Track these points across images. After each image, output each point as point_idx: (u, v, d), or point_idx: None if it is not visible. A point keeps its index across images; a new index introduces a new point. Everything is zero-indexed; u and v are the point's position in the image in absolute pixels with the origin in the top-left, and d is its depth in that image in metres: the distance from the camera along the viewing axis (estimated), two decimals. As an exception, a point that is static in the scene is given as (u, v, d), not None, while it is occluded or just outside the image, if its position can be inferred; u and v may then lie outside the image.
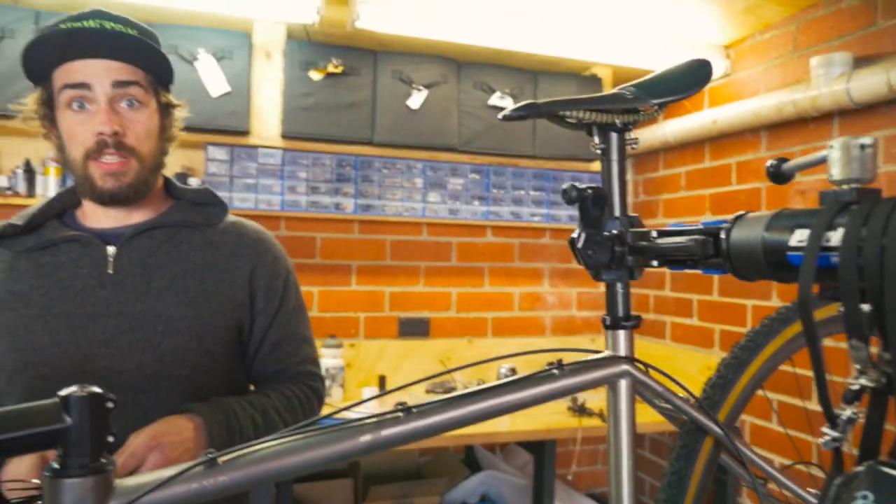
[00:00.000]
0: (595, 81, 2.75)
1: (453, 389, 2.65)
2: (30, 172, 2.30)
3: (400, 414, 0.73)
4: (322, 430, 0.70)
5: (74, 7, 2.19)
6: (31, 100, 1.03)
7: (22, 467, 0.86)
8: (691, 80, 0.87)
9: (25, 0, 2.18)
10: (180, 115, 1.12)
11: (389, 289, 2.82)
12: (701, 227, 0.71)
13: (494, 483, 2.58)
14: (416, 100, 2.44)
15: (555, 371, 0.83)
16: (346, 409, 0.78)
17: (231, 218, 1.17)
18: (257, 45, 2.34)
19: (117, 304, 1.03)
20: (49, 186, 2.29)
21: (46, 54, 0.99)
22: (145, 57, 1.01)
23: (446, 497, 2.57)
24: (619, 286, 0.86)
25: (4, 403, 1.02)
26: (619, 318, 0.87)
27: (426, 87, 2.46)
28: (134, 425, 0.93)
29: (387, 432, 0.72)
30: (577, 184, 0.79)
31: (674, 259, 0.76)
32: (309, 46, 2.39)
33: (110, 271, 1.04)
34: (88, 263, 1.04)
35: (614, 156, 0.86)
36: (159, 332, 1.03)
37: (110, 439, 0.62)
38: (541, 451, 2.30)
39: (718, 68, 2.63)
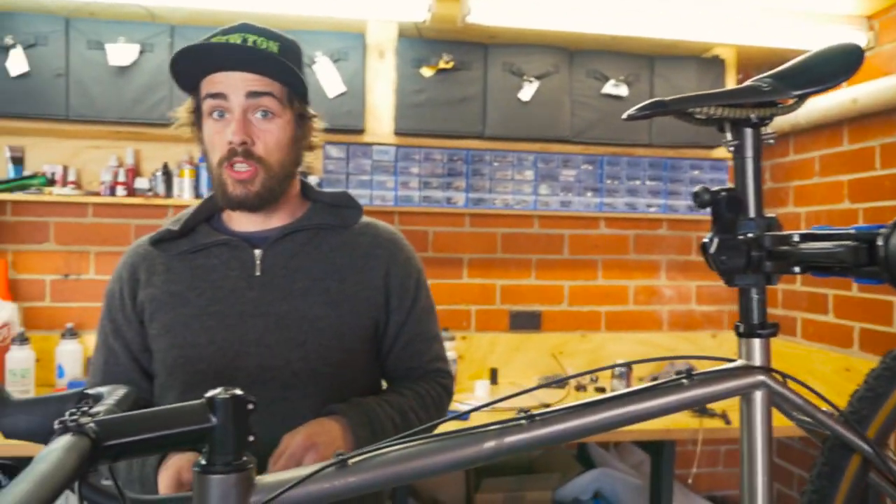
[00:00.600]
0: (717, 64, 2.60)
1: (566, 384, 2.61)
2: (167, 175, 2.49)
3: (523, 421, 0.73)
4: (447, 435, 0.71)
5: (204, 21, 2.35)
6: (183, 108, 1.12)
7: (184, 461, 0.93)
8: (838, 67, 0.80)
9: (162, 16, 2.35)
10: (317, 125, 1.16)
11: (501, 282, 2.82)
12: (853, 231, 0.65)
13: (608, 481, 2.52)
14: (528, 91, 2.41)
15: (684, 381, 0.79)
16: (504, 399, 0.79)
17: (365, 219, 1.20)
18: (370, 45, 2.40)
19: (265, 304, 1.09)
20: (184, 188, 2.46)
21: (193, 66, 1.06)
22: (279, 70, 1.05)
23: (558, 492, 2.55)
24: (754, 292, 0.80)
25: (166, 396, 1.11)
26: (755, 326, 0.82)
27: (537, 78, 2.42)
28: (283, 420, 0.99)
29: (510, 439, 0.72)
30: (708, 186, 0.75)
31: (819, 266, 0.70)
32: (420, 43, 2.42)
33: (257, 273, 1.10)
34: (238, 266, 1.11)
35: (749, 153, 0.81)
36: (304, 331, 1.08)
37: (251, 439, 0.65)
38: (658, 451, 2.22)
39: (859, 41, 2.41)
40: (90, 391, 0.78)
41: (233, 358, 1.07)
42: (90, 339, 2.54)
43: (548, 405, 2.40)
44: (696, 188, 0.74)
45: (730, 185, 0.79)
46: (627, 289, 2.92)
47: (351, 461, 0.68)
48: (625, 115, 0.79)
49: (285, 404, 1.05)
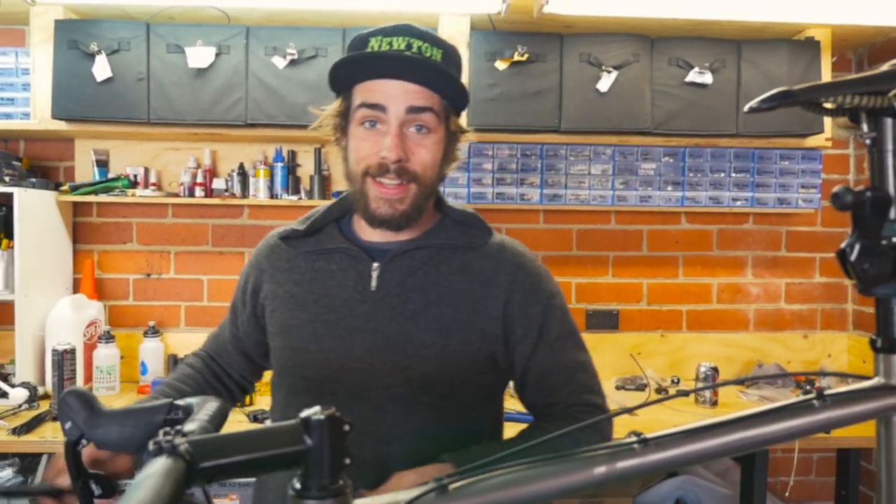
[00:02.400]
0: (810, 46, 2.43)
1: (645, 386, 2.51)
2: (243, 175, 2.52)
3: (636, 446, 0.67)
4: (555, 460, 0.66)
5: (279, 21, 2.35)
6: (331, 108, 1.06)
7: None
8: None
9: (237, 18, 2.37)
10: (465, 139, 1.11)
11: (576, 280, 2.73)
12: None
13: (692, 489, 2.41)
14: (606, 82, 2.31)
15: (814, 402, 0.71)
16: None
17: (496, 237, 1.11)
18: (444, 38, 2.35)
19: (375, 321, 1.04)
20: (260, 188, 2.49)
21: (352, 70, 1.01)
22: (443, 83, 1.00)
23: (638, 499, 2.46)
24: (894, 303, 0.72)
25: (275, 393, 1.13)
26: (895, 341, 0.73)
27: (616, 68, 2.32)
28: (376, 443, 0.97)
29: (622, 465, 0.66)
30: (850, 187, 0.66)
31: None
32: (493, 36, 2.35)
33: (373, 287, 1.05)
34: (354, 276, 1.06)
35: (889, 146, 0.72)
36: (408, 355, 1.02)
37: (347, 461, 0.62)
38: (750, 459, 2.10)
39: (974, 18, 2.20)
40: (180, 402, 0.77)
41: (337, 370, 1.04)
42: (171, 337, 2.61)
43: (630, 410, 2.32)
44: (836, 188, 0.66)
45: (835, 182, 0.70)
46: (710, 287, 2.78)
47: (451, 486, 0.64)
48: (746, 108, 0.71)
49: (381, 427, 1.01)
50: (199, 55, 2.24)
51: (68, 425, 0.77)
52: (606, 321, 2.73)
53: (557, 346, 1.07)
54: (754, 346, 2.75)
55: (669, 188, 2.53)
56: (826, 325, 2.81)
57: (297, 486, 0.60)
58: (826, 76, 2.43)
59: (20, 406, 2.17)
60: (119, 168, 2.59)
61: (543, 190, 2.50)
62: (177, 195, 2.51)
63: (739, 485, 2.20)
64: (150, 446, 0.60)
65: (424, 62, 0.98)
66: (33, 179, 2.41)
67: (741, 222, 2.77)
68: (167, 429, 0.63)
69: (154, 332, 2.52)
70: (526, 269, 1.08)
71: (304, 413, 0.62)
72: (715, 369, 2.40)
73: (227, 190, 2.52)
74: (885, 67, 0.72)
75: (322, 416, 0.62)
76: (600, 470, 0.67)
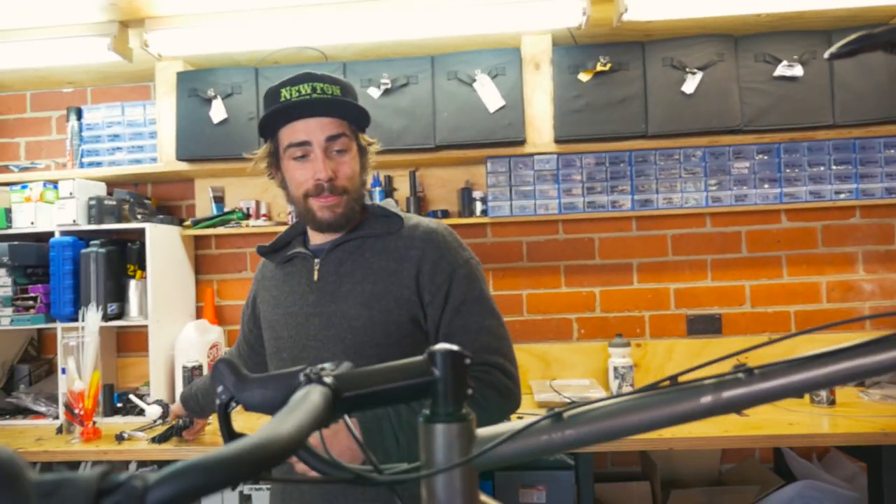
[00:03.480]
0: (907, 29, 2.34)
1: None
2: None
3: (741, 375, 0.70)
4: (662, 391, 0.70)
5: (371, 55, 2.53)
6: (261, 151, 1.33)
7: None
8: None
9: (334, 56, 2.57)
10: (373, 149, 1.34)
11: (674, 285, 2.70)
12: None
13: (815, 495, 2.29)
14: (691, 84, 2.33)
15: (923, 332, 0.72)
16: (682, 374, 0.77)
17: (413, 222, 1.31)
18: (526, 57, 2.45)
19: (319, 304, 1.28)
20: (360, 211, 2.64)
21: (276, 118, 1.25)
22: (348, 111, 1.25)
23: (758, 507, 2.36)
24: None
25: None
26: None
27: (700, 69, 2.33)
28: None
29: (728, 394, 0.69)
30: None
31: None
32: (575, 50, 2.43)
33: (315, 279, 1.30)
34: (305, 273, 1.32)
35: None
36: (344, 328, 1.24)
37: (469, 392, 0.69)
38: (876, 458, 1.99)
39: None
40: (314, 368, 0.86)
41: (300, 350, 1.28)
42: (285, 357, 2.78)
43: (739, 411, 2.25)
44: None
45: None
46: (819, 285, 2.67)
47: (565, 415, 0.69)
48: (826, 55, 0.75)
49: None
50: (302, 92, 2.44)
51: (220, 389, 0.88)
52: (709, 326, 2.67)
53: (463, 309, 1.24)
54: (873, 346, 2.61)
55: (766, 186, 2.49)
56: (953, 321, 2.63)
57: (427, 412, 0.68)
58: (928, 58, 2.34)
59: (155, 421, 2.37)
60: (233, 203, 2.82)
61: (634, 196, 2.52)
62: (285, 224, 2.71)
63: (867, 487, 2.09)
64: (301, 378, 0.69)
65: (329, 100, 1.22)
66: (161, 216, 2.67)
67: (847, 216, 2.67)
68: (311, 369, 0.73)
69: (269, 352, 2.70)
70: (434, 243, 1.27)
71: (432, 347, 0.70)
72: None
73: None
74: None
75: (446, 349, 0.69)
76: (707, 399, 0.70)
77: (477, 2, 2.22)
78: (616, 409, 0.69)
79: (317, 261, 1.31)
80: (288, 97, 1.22)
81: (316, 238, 1.35)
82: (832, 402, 2.22)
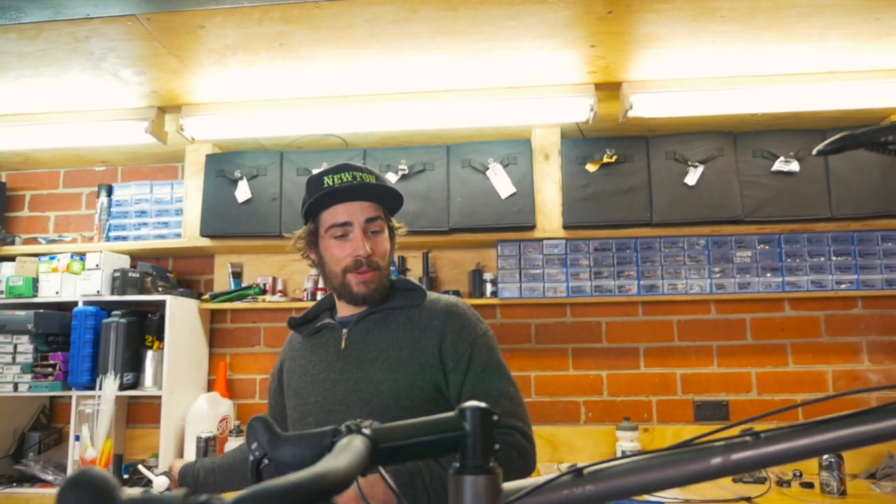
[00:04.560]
0: (896, 131, 2.49)
1: (765, 479, 2.41)
2: (360, 279, 2.77)
3: (748, 438, 0.75)
4: (675, 450, 0.75)
5: (389, 143, 2.68)
6: (302, 231, 1.45)
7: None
8: None
9: (354, 143, 2.73)
10: (401, 232, 1.48)
11: (681, 370, 2.74)
12: None
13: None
14: (693, 176, 2.46)
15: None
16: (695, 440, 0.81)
17: (434, 297, 1.44)
18: (536, 148, 2.60)
19: (345, 371, 1.36)
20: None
21: (318, 203, 1.37)
22: (384, 197, 1.40)
23: None
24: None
25: None
26: None
27: (701, 162, 2.47)
28: None
29: (736, 456, 0.74)
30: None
31: None
32: (582, 142, 2.58)
33: (342, 347, 1.39)
34: (332, 342, 1.41)
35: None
36: (370, 392, 1.32)
37: (496, 447, 0.74)
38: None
39: None
40: (342, 427, 0.91)
41: (327, 414, 1.36)
42: (293, 433, 2.78)
43: (749, 498, 2.24)
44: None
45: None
46: (825, 374, 2.71)
47: (586, 471, 0.74)
48: (814, 151, 0.84)
49: None
50: (325, 175, 2.57)
51: (254, 446, 0.93)
52: (716, 412, 2.69)
53: (485, 376, 1.33)
54: (881, 437, 2.61)
55: (768, 274, 2.57)
56: (960, 413, 2.64)
57: (457, 465, 0.73)
58: (917, 158, 2.47)
59: (162, 493, 2.36)
60: (251, 279, 2.91)
61: (641, 281, 2.60)
62: (300, 300, 2.79)
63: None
64: (343, 428, 0.75)
65: (368, 186, 1.36)
66: (181, 289, 2.75)
67: (849, 307, 2.73)
68: (350, 423, 0.79)
69: (277, 428, 2.71)
70: (456, 315, 1.39)
71: (461, 405, 0.76)
72: (839, 457, 2.30)
73: (344, 293, 2.77)
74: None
75: (476, 407, 0.75)
76: (717, 461, 0.75)
77: (491, 97, 2.39)
78: (634, 467, 0.74)
79: (344, 331, 1.40)
80: (331, 184, 1.35)
81: (344, 310, 1.45)
82: (843, 493, 2.21)
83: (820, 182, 2.46)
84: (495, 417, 0.76)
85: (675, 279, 2.59)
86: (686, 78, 2.27)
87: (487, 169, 2.53)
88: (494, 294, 2.66)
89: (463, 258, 2.85)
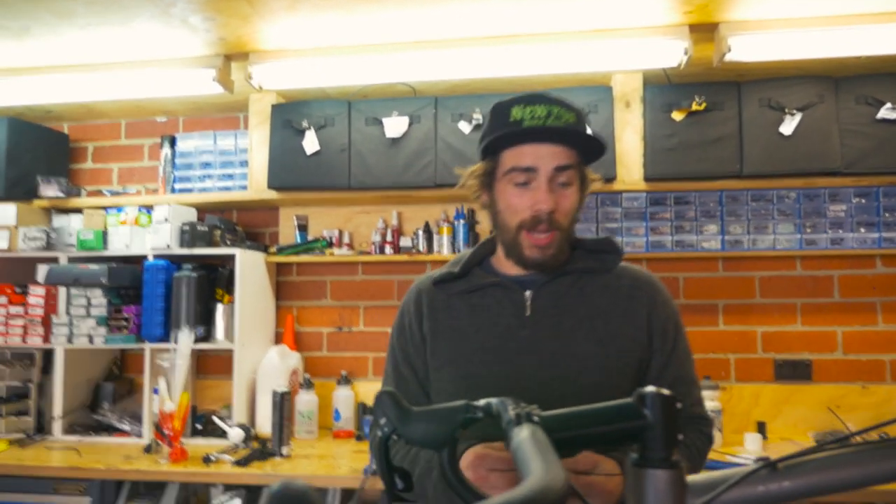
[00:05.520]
0: None
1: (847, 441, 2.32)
2: (428, 233, 2.71)
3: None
4: (877, 444, 0.67)
5: (461, 90, 2.56)
6: (478, 168, 1.22)
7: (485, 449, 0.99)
8: None
9: (423, 91, 2.62)
10: (595, 186, 1.23)
11: (762, 328, 2.63)
12: None
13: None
14: (789, 125, 2.29)
15: None
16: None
17: (622, 264, 1.25)
18: (617, 95, 2.46)
19: (536, 341, 1.17)
20: (443, 244, 2.66)
21: (502, 138, 1.15)
22: (579, 142, 1.15)
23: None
24: None
25: None
26: None
27: (799, 110, 2.30)
28: None
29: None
30: None
31: None
32: (668, 89, 2.42)
33: (528, 313, 1.19)
34: (510, 306, 1.20)
35: None
36: (574, 368, 1.15)
37: (680, 437, 0.67)
38: None
39: None
40: (476, 403, 0.84)
41: (509, 391, 1.06)
42: (360, 386, 2.79)
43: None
44: None
45: None
46: (916, 335, 2.58)
47: (780, 465, 0.67)
48: None
49: None
50: (395, 125, 2.48)
51: (383, 421, 0.87)
52: (799, 372, 2.59)
53: (684, 360, 1.22)
54: (977, 400, 2.50)
55: (863, 230, 2.42)
56: None
57: (636, 456, 0.66)
58: None
59: (237, 444, 2.39)
60: (316, 232, 2.87)
61: (724, 236, 2.48)
62: (368, 253, 2.74)
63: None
64: (513, 416, 0.69)
65: (565, 129, 1.11)
66: (249, 242, 2.73)
67: (947, 264, 2.58)
68: (518, 406, 0.72)
69: (346, 381, 2.71)
70: (657, 287, 1.24)
71: (639, 390, 0.68)
72: None
73: (413, 247, 2.71)
74: None
75: (659, 393, 0.68)
76: (927, 457, 0.67)
77: (570, 41, 2.24)
78: (836, 460, 0.67)
79: (528, 293, 1.20)
80: (519, 117, 1.13)
81: (509, 269, 1.24)
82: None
83: (929, 130, 2.28)
84: (679, 405, 0.68)
85: (760, 234, 2.46)
86: (787, 18, 2.09)
87: (566, 118, 2.40)
88: (568, 249, 2.57)
89: (534, 211, 2.75)
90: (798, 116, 2.29)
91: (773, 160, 2.32)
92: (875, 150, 2.29)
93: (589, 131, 1.19)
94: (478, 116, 2.45)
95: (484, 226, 2.76)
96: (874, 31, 2.11)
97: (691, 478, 0.67)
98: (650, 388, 0.68)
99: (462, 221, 2.68)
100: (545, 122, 1.11)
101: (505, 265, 1.25)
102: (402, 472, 0.93)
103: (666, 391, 0.68)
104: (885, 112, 2.27)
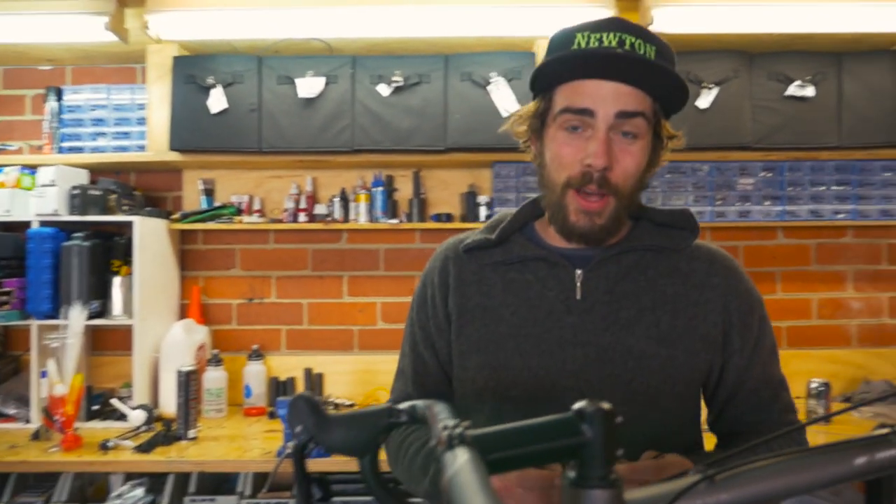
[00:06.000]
0: (913, 56, 2.40)
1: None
2: (344, 200, 2.59)
3: (890, 436, 0.67)
4: (813, 450, 0.67)
5: (380, 50, 2.43)
6: (527, 109, 1.00)
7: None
8: None
9: (340, 49, 2.47)
10: (675, 144, 1.02)
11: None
12: None
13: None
14: (706, 99, 2.32)
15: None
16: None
17: (697, 242, 1.03)
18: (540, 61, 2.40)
19: (585, 332, 0.96)
20: (360, 212, 2.55)
21: (556, 68, 0.93)
22: (659, 84, 0.91)
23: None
24: None
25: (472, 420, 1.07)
26: None
27: (716, 84, 2.33)
28: None
29: (881, 455, 0.67)
30: None
31: None
32: (590, 57, 2.39)
33: (578, 297, 0.98)
34: (556, 286, 0.99)
35: None
36: (629, 368, 0.95)
37: (619, 453, 0.64)
38: (877, 484, 2.02)
39: None
40: (400, 406, 0.78)
41: (549, 388, 0.95)
42: (273, 361, 2.68)
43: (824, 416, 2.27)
44: None
45: None
46: (810, 302, 2.73)
47: (718, 477, 0.65)
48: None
49: None
50: (309, 85, 2.33)
51: (298, 429, 0.80)
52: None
53: (768, 360, 1.02)
54: (860, 363, 2.68)
55: (768, 203, 2.51)
56: (933, 339, 2.73)
57: (573, 475, 0.62)
58: (929, 86, 2.39)
59: (139, 428, 2.25)
60: (224, 197, 2.69)
61: (640, 207, 2.50)
62: (280, 221, 2.60)
63: None
64: (443, 438, 0.63)
65: (639, 60, 0.88)
66: (148, 209, 2.52)
67: (840, 236, 2.73)
68: (446, 425, 0.66)
69: (257, 355, 2.59)
70: (738, 273, 1.03)
71: (577, 405, 0.64)
72: (826, 384, 2.35)
73: (328, 215, 2.59)
74: None
75: (599, 408, 0.64)
76: (860, 461, 0.67)
77: (495, 4, 2.16)
78: (773, 470, 0.65)
79: (579, 272, 0.98)
80: (583, 45, 0.90)
81: (557, 240, 1.01)
82: (828, 420, 2.26)
83: (831, 110, 2.37)
84: (619, 419, 0.65)
85: (675, 205, 2.50)
86: (709, -9, 2.10)
87: (489, 83, 2.33)
88: (489, 218, 2.53)
89: (455, 178, 2.68)
90: (715, 90, 2.32)
91: (689, 133, 2.32)
92: (783, 125, 2.35)
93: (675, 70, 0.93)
94: (398, 79, 2.34)
95: (403, 192, 2.67)
96: (787, 9, 2.16)
97: (628, 494, 0.64)
98: (587, 403, 0.64)
99: (380, 189, 2.58)
100: (614, 52, 0.88)
101: (553, 235, 1.02)
102: (321, 480, 0.87)
103: (606, 406, 0.64)
104: (793, 89, 2.33)
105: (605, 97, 0.89)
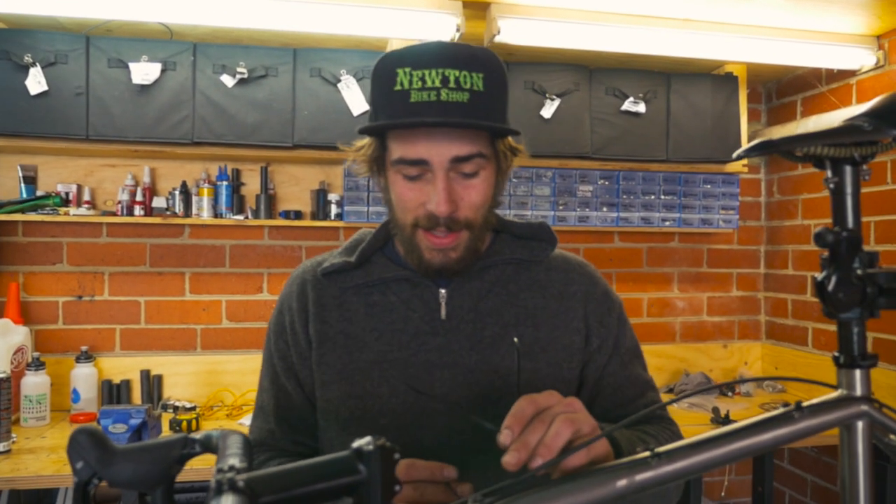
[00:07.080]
0: (730, 80, 2.65)
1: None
2: (186, 194, 2.46)
3: (650, 459, 0.74)
4: (577, 475, 0.72)
5: (223, 38, 2.32)
6: (363, 151, 0.97)
7: None
8: (938, 106, 0.82)
9: (181, 34, 2.33)
10: (522, 157, 1.00)
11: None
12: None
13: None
14: (549, 109, 2.43)
15: (794, 413, 0.80)
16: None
17: (555, 251, 1.05)
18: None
19: (451, 353, 0.95)
20: (203, 206, 2.43)
21: (382, 118, 0.89)
22: (493, 114, 0.89)
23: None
24: (855, 325, 0.83)
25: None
26: (856, 357, 0.84)
27: (559, 95, 2.44)
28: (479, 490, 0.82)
29: (640, 477, 0.72)
30: (829, 228, 0.76)
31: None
32: (441, 61, 2.41)
33: (443, 316, 0.96)
34: (420, 307, 0.97)
35: (849, 189, 0.83)
36: (497, 387, 0.94)
37: (397, 489, 0.65)
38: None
39: (868, 60, 2.47)
40: (197, 436, 0.76)
41: (419, 414, 0.93)
42: (105, 363, 2.51)
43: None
44: (818, 229, 0.76)
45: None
46: (641, 301, 2.95)
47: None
48: (734, 155, 0.81)
49: (476, 472, 0.83)
50: (144, 71, 2.18)
51: (80, 465, 0.75)
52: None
53: (630, 360, 1.03)
54: (681, 357, 2.94)
55: (605, 209, 2.68)
56: (742, 335, 3.05)
57: (352, 513, 0.63)
58: (743, 108, 2.65)
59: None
60: (49, 185, 2.47)
61: (488, 210, 2.58)
62: (114, 214, 2.42)
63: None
64: (213, 484, 0.61)
65: (466, 105, 0.85)
66: (-46, 197, 2.26)
67: (668, 241, 2.97)
68: (221, 466, 0.64)
69: (87, 357, 2.41)
70: (594, 277, 1.05)
71: (356, 444, 0.65)
72: (707, 377, 2.55)
73: (168, 209, 2.45)
74: (847, 122, 0.84)
75: (374, 447, 0.65)
76: (622, 483, 0.73)
77: (347, 2, 2.12)
78: (539, 497, 0.69)
79: (443, 291, 0.97)
80: (406, 85, 0.85)
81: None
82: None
83: (661, 125, 2.56)
84: (397, 456, 0.66)
85: (521, 210, 2.61)
86: (553, 7, 2.19)
87: (339, 81, 2.30)
88: (339, 217, 2.50)
89: (306, 174, 2.63)
90: (557, 102, 2.44)
91: (534, 142, 2.44)
92: (618, 138, 2.52)
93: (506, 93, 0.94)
94: (242, 70, 2.24)
95: (250, 187, 2.58)
96: (624, 30, 2.29)
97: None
98: (366, 441, 0.64)
99: (226, 183, 2.47)
100: (439, 97, 0.84)
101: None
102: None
103: (386, 443, 0.65)
104: (627, 105, 2.50)
105: (438, 145, 0.87)
